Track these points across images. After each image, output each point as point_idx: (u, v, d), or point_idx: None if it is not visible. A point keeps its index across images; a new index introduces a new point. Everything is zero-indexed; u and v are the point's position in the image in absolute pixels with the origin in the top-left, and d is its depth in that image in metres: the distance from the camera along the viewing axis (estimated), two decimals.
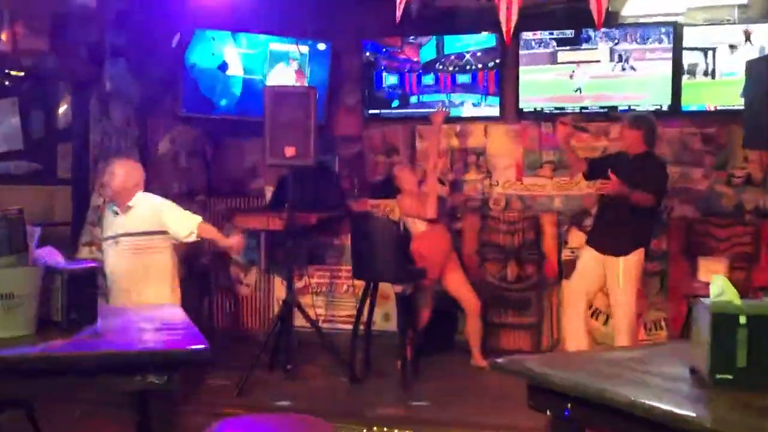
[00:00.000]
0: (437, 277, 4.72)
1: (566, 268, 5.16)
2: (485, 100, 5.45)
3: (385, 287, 4.98)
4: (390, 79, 5.67)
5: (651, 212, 4.19)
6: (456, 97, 5.55)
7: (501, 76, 5.43)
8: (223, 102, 5.53)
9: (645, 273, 4.47)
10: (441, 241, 4.76)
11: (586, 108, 5.27)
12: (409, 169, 5.00)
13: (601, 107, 5.26)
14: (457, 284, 4.80)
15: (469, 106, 5.52)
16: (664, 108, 5.08)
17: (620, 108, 5.18)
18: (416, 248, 4.69)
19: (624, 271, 4.15)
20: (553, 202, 5.47)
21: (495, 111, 5.51)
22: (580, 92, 5.29)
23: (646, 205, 4.09)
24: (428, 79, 5.61)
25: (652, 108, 5.05)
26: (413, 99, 5.64)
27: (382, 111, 5.74)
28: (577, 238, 5.29)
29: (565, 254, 5.36)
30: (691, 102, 5.05)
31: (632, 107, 5.13)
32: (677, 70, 5.00)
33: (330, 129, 5.76)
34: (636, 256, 4.20)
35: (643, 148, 4.24)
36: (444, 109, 5.06)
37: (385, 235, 4.53)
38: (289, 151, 4.59)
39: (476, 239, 5.47)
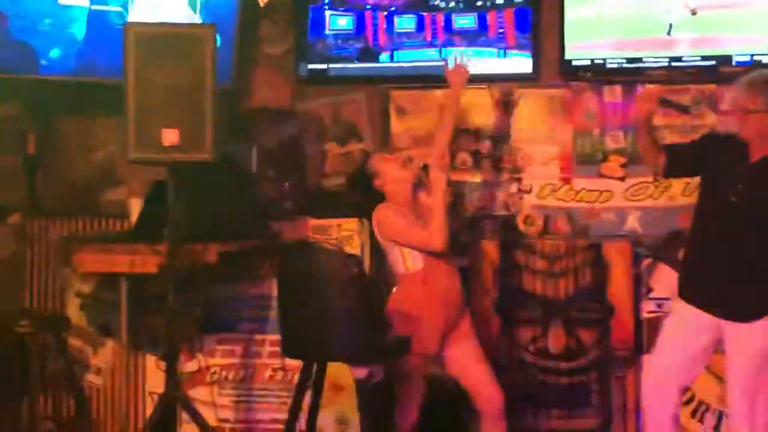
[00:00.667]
0: (434, 352, 4.68)
1: (649, 334, 5.22)
2: (503, 55, 5.59)
3: (339, 371, 4.95)
4: (339, 22, 5.74)
5: None
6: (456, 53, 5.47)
7: (536, 8, 5.53)
8: (55, 52, 5.47)
9: None
10: (446, 291, 4.72)
11: (679, 59, 5.35)
12: (397, 160, 4.88)
13: (705, 58, 5.31)
14: (469, 364, 4.78)
15: (481, 60, 5.57)
16: None
17: (736, 59, 5.25)
18: (401, 301, 4.70)
19: (754, 345, 4.21)
20: (626, 220, 5.55)
21: (524, 66, 5.57)
22: (670, 32, 5.35)
23: None
24: (406, 23, 5.67)
25: None
26: (384, 56, 5.74)
27: (331, 67, 5.78)
28: (666, 281, 5.33)
29: (648, 309, 5.39)
30: None
31: (756, 58, 5.20)
32: None
33: (242, 98, 5.85)
34: None
35: None
36: (463, 64, 5.06)
37: (338, 279, 4.39)
38: (170, 136, 4.56)
39: (496, 285, 5.48)
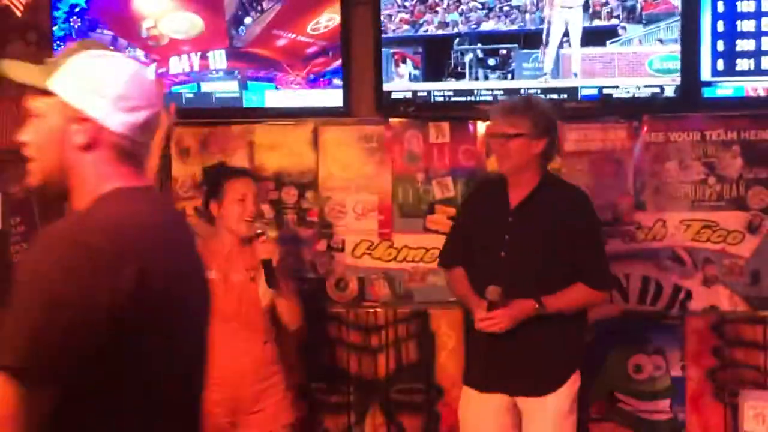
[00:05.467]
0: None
1: None
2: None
3: None
4: None
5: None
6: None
7: (344, 22, 5.29)
8: None
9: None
10: (232, 358, 4.58)
11: (516, 92, 5.12)
12: (244, 209, 4.73)
13: (545, 90, 5.14)
14: None
15: (274, 92, 5.40)
16: (667, 92, 5.10)
17: (583, 93, 5.17)
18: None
19: (549, 417, 4.30)
20: None
21: (332, 99, 5.37)
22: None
23: (591, 303, 4.41)
24: None
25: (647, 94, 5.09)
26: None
27: None
28: None
29: None
30: (723, 81, 5.10)
31: (606, 92, 5.12)
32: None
33: None
34: (572, 387, 4.33)
35: (539, 171, 4.29)
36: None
37: None
38: None
39: (300, 362, 5.33)
